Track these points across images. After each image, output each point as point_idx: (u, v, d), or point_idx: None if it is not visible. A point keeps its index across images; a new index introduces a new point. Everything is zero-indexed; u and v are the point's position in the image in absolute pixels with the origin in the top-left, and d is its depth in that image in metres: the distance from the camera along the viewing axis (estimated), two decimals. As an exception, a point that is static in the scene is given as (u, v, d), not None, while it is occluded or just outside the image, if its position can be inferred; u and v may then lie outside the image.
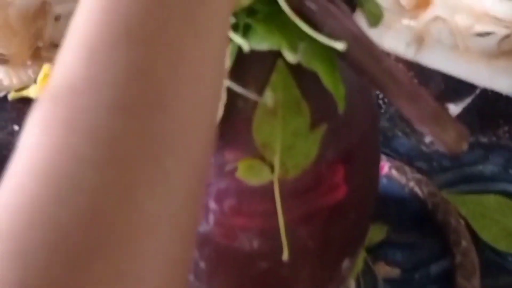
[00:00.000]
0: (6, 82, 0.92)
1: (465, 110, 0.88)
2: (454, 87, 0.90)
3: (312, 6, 0.44)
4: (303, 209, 0.50)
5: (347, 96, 0.46)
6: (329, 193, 0.50)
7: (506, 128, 0.83)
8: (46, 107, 0.28)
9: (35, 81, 0.90)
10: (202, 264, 0.53)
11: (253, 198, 0.49)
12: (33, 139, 0.28)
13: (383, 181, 0.72)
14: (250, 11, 0.44)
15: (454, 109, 0.88)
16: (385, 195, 0.71)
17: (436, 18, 0.89)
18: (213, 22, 0.31)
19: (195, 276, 0.55)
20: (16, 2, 0.87)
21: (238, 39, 0.42)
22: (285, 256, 0.49)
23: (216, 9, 0.31)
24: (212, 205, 0.49)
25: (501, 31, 0.85)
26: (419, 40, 0.94)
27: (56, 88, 0.29)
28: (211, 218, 0.50)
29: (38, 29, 0.91)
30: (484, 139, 0.79)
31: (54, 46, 0.94)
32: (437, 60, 0.93)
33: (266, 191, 0.48)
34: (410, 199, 0.71)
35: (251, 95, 0.43)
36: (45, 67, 0.89)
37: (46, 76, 0.89)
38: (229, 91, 0.44)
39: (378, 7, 0.52)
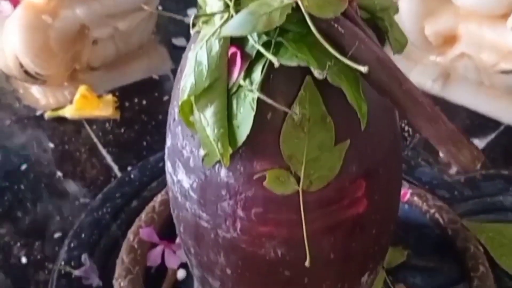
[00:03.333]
0: (43, 101, 0.97)
1: (489, 146, 0.90)
2: (478, 123, 0.93)
3: (340, 28, 0.47)
4: (326, 220, 0.52)
5: (370, 114, 0.49)
6: (351, 207, 0.53)
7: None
8: None
9: (71, 102, 0.95)
10: (228, 271, 0.56)
11: (279, 208, 0.51)
12: None
13: (405, 207, 0.75)
14: (281, 30, 0.47)
15: (478, 144, 0.90)
16: (406, 220, 0.74)
17: (462, 55, 0.93)
18: None
19: (221, 283, 0.58)
20: (56, 25, 0.92)
21: (269, 55, 0.45)
22: (308, 262, 0.51)
23: None
24: (240, 212, 0.52)
25: (526, 69, 0.88)
26: (445, 76, 0.97)
27: None
28: (239, 225, 0.53)
29: (76, 52, 0.97)
30: (505, 171, 0.81)
31: (91, 69, 0.99)
32: (463, 95, 0.95)
33: (291, 202, 0.51)
34: (431, 225, 0.74)
35: (280, 106, 0.47)
36: (81, 88, 0.94)
37: (82, 96, 0.94)
38: (259, 103, 0.47)
39: (403, 34, 0.55)
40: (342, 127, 0.50)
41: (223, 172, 0.51)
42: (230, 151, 0.49)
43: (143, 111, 0.96)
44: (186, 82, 0.49)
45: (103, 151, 0.90)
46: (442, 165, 0.84)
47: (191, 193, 0.54)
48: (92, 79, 0.98)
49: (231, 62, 0.48)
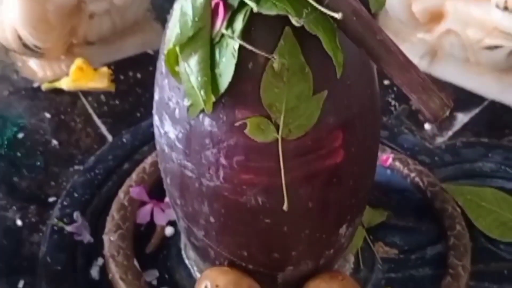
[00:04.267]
0: (40, 74, 1.00)
1: (473, 120, 0.92)
2: (464, 98, 0.96)
3: (318, -19, 0.50)
4: (304, 169, 0.55)
5: (347, 68, 0.52)
6: (328, 157, 0.55)
7: (511, 138, 0.88)
8: None
9: (67, 74, 0.98)
10: (212, 220, 0.59)
11: (259, 155, 0.54)
12: None
13: (387, 171, 0.77)
14: (263, -17, 0.50)
15: (463, 117, 0.93)
16: (388, 184, 0.76)
17: (449, 31, 0.95)
18: None
19: (205, 233, 0.61)
20: (54, -2, 0.95)
21: (250, 2, 0.48)
22: (286, 207, 0.54)
23: None
24: (222, 160, 0.55)
25: (510, 45, 0.91)
26: (432, 53, 0.99)
27: None
28: (221, 173, 0.55)
29: (73, 26, 1.00)
30: (485, 139, 0.84)
31: (88, 43, 1.02)
32: (449, 72, 0.98)
33: (271, 150, 0.53)
34: (411, 188, 0.76)
35: (260, 52, 0.49)
36: (78, 60, 0.97)
37: (78, 69, 0.96)
38: (240, 53, 0.50)
39: (382, -7, 0.58)
40: (320, 78, 0.52)
41: (207, 121, 0.54)
42: (213, 98, 0.52)
43: (137, 84, 0.99)
44: (172, 32, 0.52)
45: (98, 121, 0.93)
46: (423, 133, 0.87)
47: (177, 144, 0.57)
48: (89, 53, 1.01)
49: (214, 13, 0.51)
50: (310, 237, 0.60)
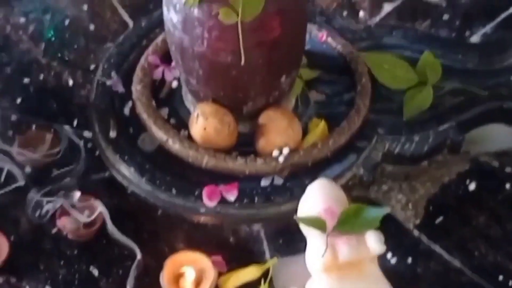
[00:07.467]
0: None
1: (395, 9, 1.26)
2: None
3: None
4: (255, 40, 0.91)
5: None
6: (270, 32, 0.91)
7: (420, 22, 1.23)
8: None
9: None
10: (200, 72, 0.95)
11: (228, 31, 0.90)
12: None
13: (323, 45, 1.13)
14: None
15: (387, 7, 1.27)
16: (322, 53, 1.12)
17: None
18: None
19: (196, 81, 0.98)
20: None
21: None
22: (243, 62, 0.90)
23: None
24: (206, 35, 0.91)
25: None
26: None
27: None
28: (205, 43, 0.91)
29: None
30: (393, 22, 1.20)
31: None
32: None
33: (235, 28, 0.89)
34: (337, 56, 1.12)
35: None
36: None
37: None
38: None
39: None
40: (263, -16, 0.87)
41: (196, 11, 0.90)
42: (199, -3, 0.87)
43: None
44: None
45: (122, 11, 1.27)
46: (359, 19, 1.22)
47: (178, 25, 0.93)
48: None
49: None
50: (261, 83, 0.97)
